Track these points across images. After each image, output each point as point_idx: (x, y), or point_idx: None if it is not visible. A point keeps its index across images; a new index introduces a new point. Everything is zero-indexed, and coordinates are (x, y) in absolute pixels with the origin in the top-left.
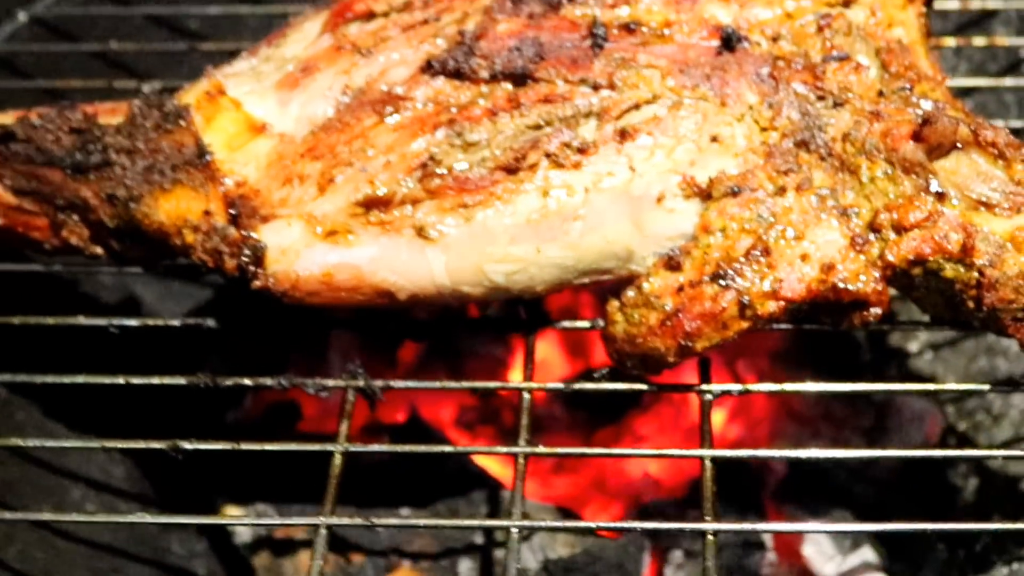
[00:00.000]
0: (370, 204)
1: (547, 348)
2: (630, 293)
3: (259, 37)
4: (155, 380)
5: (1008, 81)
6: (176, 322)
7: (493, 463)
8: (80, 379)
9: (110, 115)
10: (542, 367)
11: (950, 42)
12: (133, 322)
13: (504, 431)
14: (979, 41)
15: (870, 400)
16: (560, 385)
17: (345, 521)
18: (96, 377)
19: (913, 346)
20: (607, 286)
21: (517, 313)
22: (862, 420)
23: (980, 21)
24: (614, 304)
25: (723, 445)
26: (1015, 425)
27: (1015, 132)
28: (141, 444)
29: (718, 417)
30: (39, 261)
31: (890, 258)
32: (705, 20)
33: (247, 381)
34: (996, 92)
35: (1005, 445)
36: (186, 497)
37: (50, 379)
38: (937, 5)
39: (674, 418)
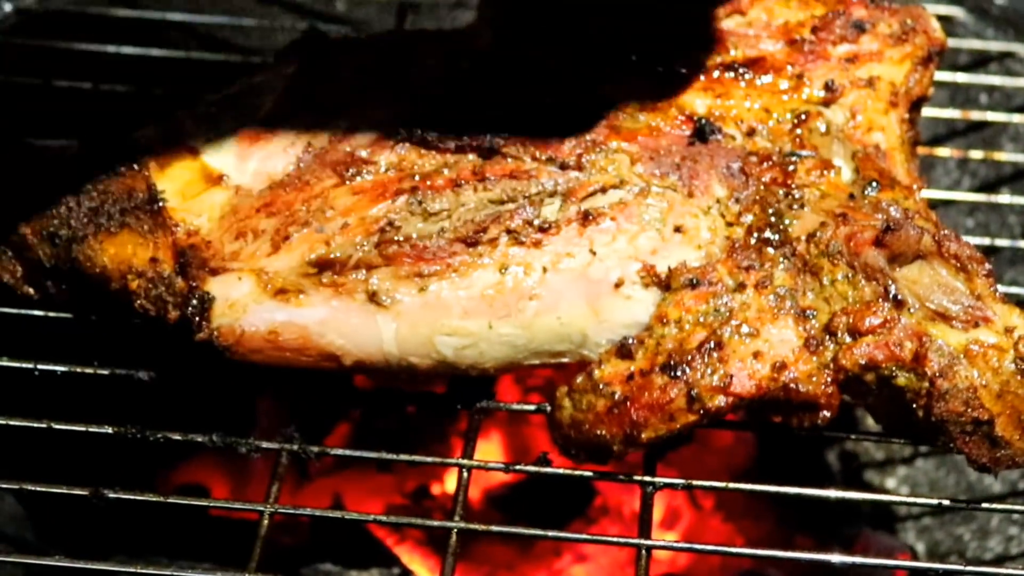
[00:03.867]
0: (324, 265)
1: (488, 449)
2: (579, 379)
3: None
4: (79, 427)
5: (1004, 198)
6: (105, 371)
7: (421, 568)
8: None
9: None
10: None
11: (944, 152)
12: (60, 368)
13: (433, 537)
14: (976, 154)
15: (838, 534)
16: (501, 464)
17: None
18: (16, 419)
19: (890, 482)
20: (555, 372)
21: (463, 392)
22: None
23: (986, 134)
24: (563, 389)
25: (674, 568)
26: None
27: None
28: (63, 489)
29: (669, 538)
30: None
31: (843, 362)
32: (680, 108)
33: (176, 436)
34: (998, 209)
35: None
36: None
37: None
38: (943, 114)
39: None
